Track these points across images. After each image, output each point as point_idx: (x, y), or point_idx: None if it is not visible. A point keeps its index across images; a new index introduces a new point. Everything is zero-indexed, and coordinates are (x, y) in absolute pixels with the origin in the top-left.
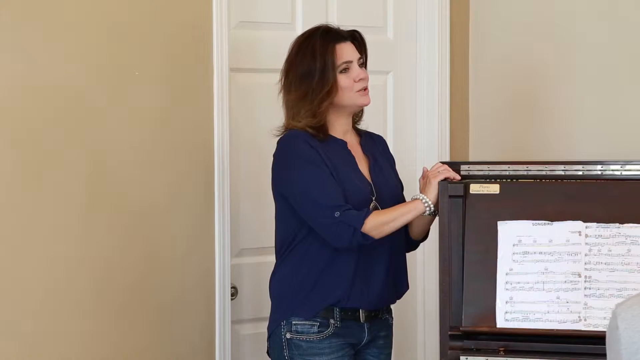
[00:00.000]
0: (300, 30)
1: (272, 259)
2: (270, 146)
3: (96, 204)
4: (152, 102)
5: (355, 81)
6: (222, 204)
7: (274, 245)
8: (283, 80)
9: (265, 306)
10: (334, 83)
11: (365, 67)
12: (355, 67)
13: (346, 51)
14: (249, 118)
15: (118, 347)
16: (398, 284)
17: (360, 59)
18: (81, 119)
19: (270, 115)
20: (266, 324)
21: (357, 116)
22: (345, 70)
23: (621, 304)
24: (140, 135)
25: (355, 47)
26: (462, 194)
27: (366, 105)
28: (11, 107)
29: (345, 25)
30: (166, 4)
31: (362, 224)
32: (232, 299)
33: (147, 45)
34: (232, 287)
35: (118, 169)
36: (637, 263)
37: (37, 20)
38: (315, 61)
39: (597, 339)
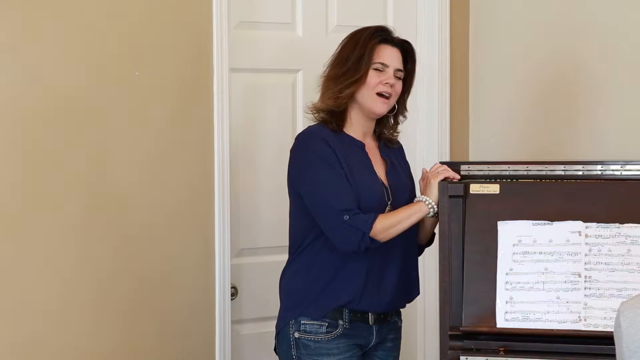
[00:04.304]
0: (300, 30)
1: (272, 258)
2: (270, 146)
3: (97, 203)
4: (152, 102)
5: (381, 83)
6: (222, 204)
7: (274, 245)
8: (328, 61)
9: (265, 306)
10: (364, 75)
11: (409, 83)
12: (388, 72)
13: (387, 54)
14: (249, 118)
15: (118, 346)
16: (409, 289)
17: (399, 70)
18: (81, 120)
19: (270, 115)
20: (267, 323)
21: (387, 127)
22: (379, 70)
23: (625, 303)
24: (140, 135)
25: (403, 58)
26: (462, 194)
27: (379, 112)
28: (12, 110)
29: (345, 25)
30: (166, 4)
31: (371, 228)
32: (232, 299)
33: (147, 45)
34: (232, 287)
35: (118, 169)
36: (637, 263)
37: (37, 21)
38: (355, 49)
39: (597, 339)
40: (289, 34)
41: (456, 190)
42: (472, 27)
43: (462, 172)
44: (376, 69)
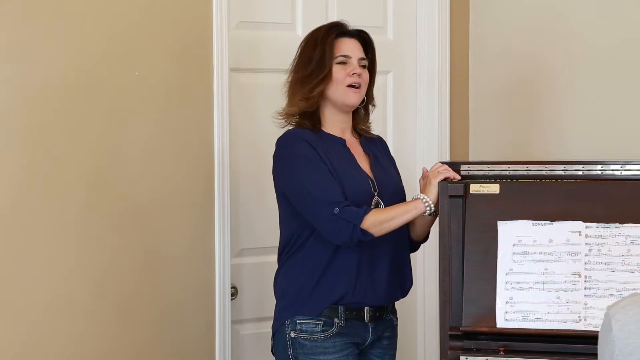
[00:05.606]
0: (300, 30)
1: (272, 258)
2: (270, 146)
3: (97, 203)
4: (152, 102)
5: (348, 75)
6: (222, 204)
7: (274, 245)
8: (290, 67)
9: (265, 306)
10: (329, 72)
11: (372, 71)
12: (352, 62)
13: (347, 46)
14: (249, 118)
15: (118, 346)
16: (403, 279)
17: (363, 59)
18: (81, 119)
19: (270, 115)
20: (266, 323)
21: (360, 119)
22: (342, 63)
23: (614, 306)
24: (140, 135)
25: (362, 47)
26: (462, 194)
27: (352, 104)
28: (11, 107)
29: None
30: (166, 4)
31: (362, 220)
32: (232, 299)
33: (147, 45)
34: (232, 287)
35: (118, 170)
36: (637, 263)
37: (37, 20)
38: (316, 49)
39: (597, 339)
40: (289, 34)
41: (456, 190)
42: (472, 27)
43: (462, 172)
44: (340, 63)
